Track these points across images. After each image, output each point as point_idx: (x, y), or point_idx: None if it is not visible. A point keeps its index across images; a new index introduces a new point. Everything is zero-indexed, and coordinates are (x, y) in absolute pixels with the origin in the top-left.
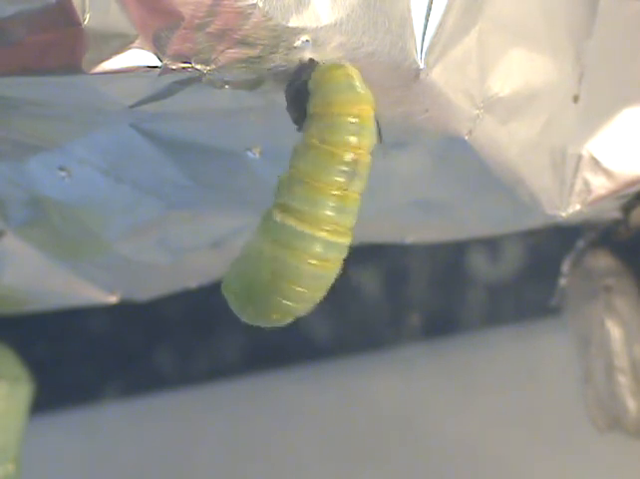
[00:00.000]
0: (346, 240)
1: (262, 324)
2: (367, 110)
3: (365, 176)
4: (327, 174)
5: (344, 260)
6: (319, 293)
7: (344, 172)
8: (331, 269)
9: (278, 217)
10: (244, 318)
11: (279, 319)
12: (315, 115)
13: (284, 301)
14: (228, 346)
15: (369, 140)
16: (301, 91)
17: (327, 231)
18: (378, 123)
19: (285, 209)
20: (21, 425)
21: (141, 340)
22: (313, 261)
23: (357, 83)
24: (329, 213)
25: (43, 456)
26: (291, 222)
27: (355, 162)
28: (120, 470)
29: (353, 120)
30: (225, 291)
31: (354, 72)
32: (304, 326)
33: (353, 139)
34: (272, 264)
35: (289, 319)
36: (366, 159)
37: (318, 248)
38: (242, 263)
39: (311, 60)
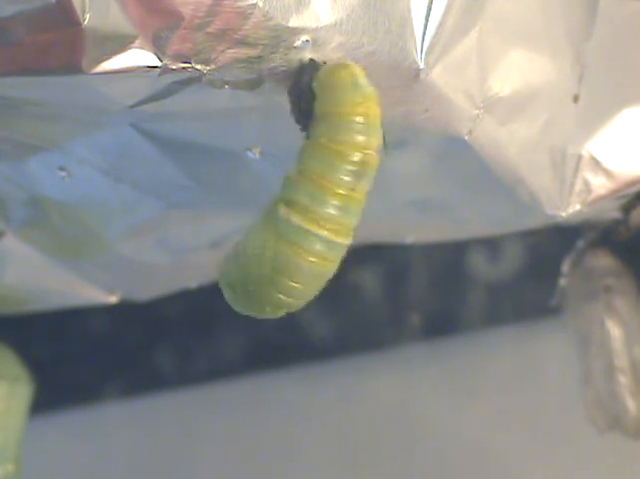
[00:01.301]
0: (346, 241)
1: (254, 315)
2: (373, 108)
3: (371, 177)
4: (335, 173)
5: (343, 260)
6: (314, 291)
7: (352, 172)
8: (329, 268)
9: (283, 212)
10: (238, 309)
11: (272, 312)
12: (322, 115)
13: (280, 296)
14: (228, 346)
15: (376, 139)
16: (305, 91)
17: (329, 229)
18: (382, 126)
19: (291, 205)
20: (21, 425)
21: (141, 340)
22: (313, 259)
23: (362, 81)
24: (333, 212)
25: (43, 456)
26: (296, 218)
27: (363, 162)
28: (120, 470)
29: (360, 119)
30: (222, 282)
31: (359, 71)
32: (304, 327)
33: (360, 138)
34: (273, 259)
35: (281, 313)
36: (374, 160)
37: (319, 247)
38: (242, 256)
39: (312, 60)
